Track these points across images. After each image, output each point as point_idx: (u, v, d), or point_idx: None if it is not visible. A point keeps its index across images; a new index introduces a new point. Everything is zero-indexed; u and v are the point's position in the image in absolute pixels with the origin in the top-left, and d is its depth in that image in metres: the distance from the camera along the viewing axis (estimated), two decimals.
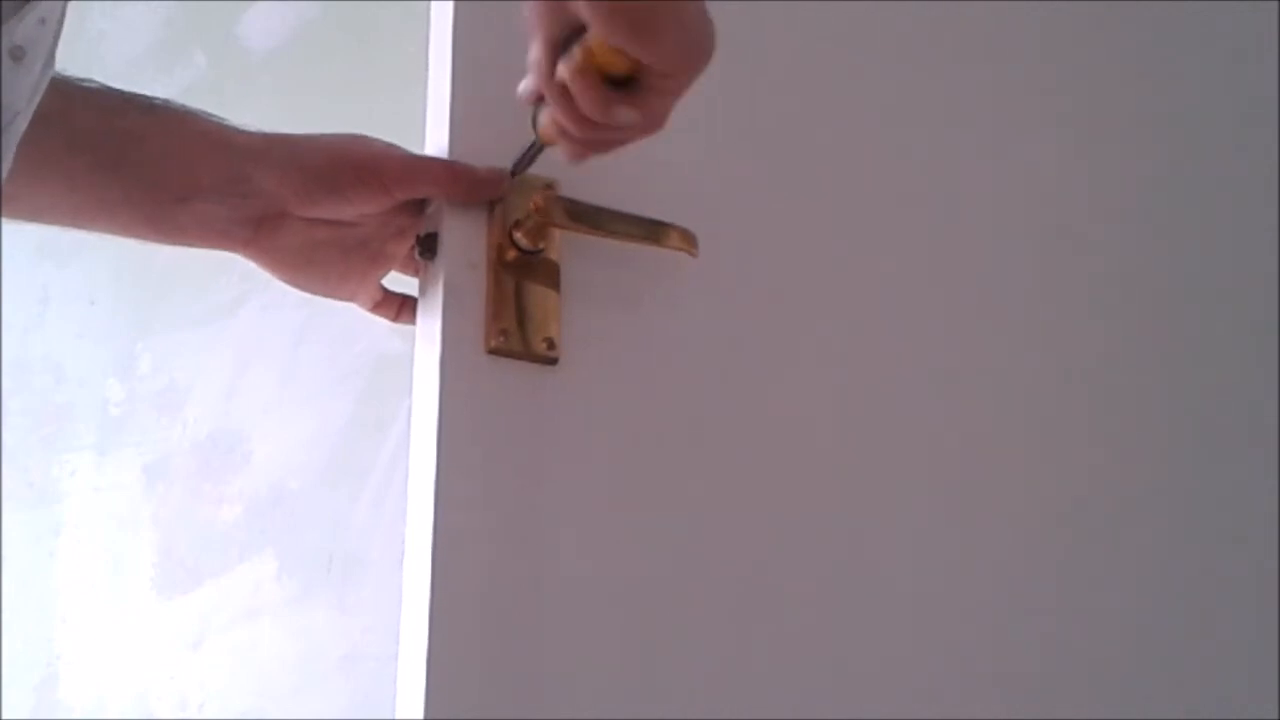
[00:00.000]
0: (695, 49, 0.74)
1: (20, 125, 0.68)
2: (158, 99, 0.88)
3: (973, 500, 0.96)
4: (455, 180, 0.86)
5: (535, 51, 0.75)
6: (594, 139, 0.78)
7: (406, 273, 0.92)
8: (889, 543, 0.92)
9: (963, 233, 1.03)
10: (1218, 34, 1.21)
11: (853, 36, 1.03)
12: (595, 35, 0.72)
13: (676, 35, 0.73)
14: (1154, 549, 1.01)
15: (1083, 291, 1.06)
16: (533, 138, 0.81)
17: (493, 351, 0.82)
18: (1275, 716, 1.00)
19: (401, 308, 0.94)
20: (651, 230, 0.86)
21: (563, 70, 0.74)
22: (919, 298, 0.99)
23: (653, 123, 0.77)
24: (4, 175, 0.67)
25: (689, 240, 0.86)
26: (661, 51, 0.73)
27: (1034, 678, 0.94)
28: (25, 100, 0.67)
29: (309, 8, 1.64)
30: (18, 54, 0.64)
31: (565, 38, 0.74)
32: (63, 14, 0.70)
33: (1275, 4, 1.23)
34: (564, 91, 0.74)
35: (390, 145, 0.87)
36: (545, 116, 0.78)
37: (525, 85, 0.78)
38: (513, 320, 0.83)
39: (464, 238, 0.85)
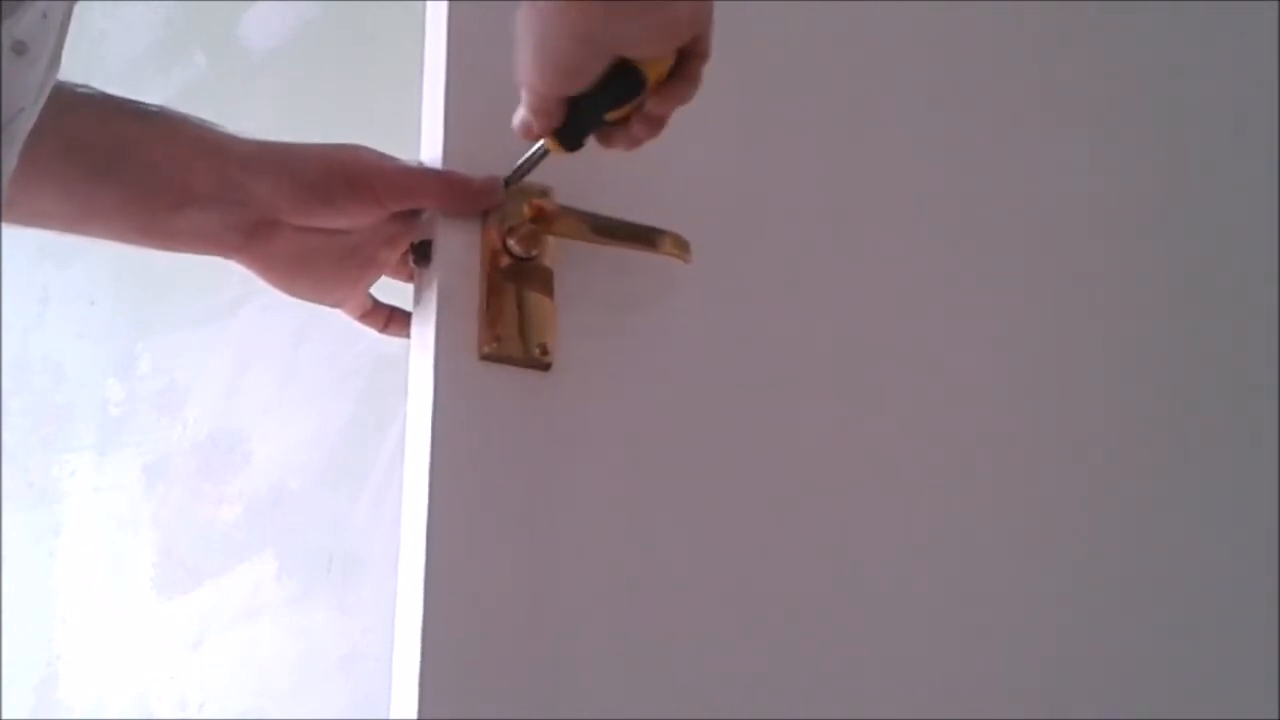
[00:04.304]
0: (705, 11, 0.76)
1: (24, 123, 0.67)
2: (153, 105, 0.88)
3: (972, 501, 0.96)
4: (450, 193, 0.86)
5: (543, 91, 0.77)
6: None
7: (398, 278, 0.92)
8: (887, 546, 0.92)
9: (959, 236, 1.03)
10: (1218, 34, 1.20)
11: (848, 41, 1.03)
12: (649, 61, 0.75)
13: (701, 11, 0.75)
14: (1154, 549, 1.01)
15: (1083, 293, 1.06)
16: (531, 145, 0.81)
17: (486, 357, 0.83)
18: (1275, 717, 1.00)
19: (389, 319, 0.94)
20: (645, 236, 0.86)
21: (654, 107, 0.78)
22: (914, 301, 0.99)
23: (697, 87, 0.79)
24: (7, 173, 0.66)
25: (682, 246, 0.86)
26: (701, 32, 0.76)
27: (1033, 679, 0.94)
28: (31, 97, 0.66)
29: (309, 8, 1.64)
30: (20, 49, 0.64)
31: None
32: (67, 14, 0.69)
33: (1275, 4, 1.22)
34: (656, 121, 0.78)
35: (384, 156, 0.87)
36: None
37: (523, 119, 0.79)
38: (506, 326, 0.83)
39: (458, 245, 0.85)
